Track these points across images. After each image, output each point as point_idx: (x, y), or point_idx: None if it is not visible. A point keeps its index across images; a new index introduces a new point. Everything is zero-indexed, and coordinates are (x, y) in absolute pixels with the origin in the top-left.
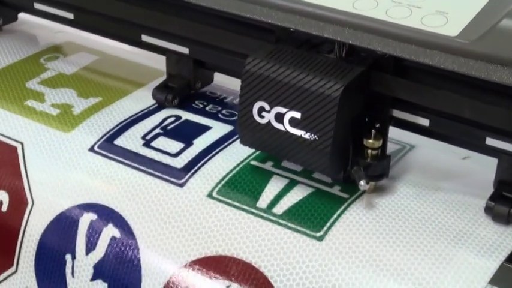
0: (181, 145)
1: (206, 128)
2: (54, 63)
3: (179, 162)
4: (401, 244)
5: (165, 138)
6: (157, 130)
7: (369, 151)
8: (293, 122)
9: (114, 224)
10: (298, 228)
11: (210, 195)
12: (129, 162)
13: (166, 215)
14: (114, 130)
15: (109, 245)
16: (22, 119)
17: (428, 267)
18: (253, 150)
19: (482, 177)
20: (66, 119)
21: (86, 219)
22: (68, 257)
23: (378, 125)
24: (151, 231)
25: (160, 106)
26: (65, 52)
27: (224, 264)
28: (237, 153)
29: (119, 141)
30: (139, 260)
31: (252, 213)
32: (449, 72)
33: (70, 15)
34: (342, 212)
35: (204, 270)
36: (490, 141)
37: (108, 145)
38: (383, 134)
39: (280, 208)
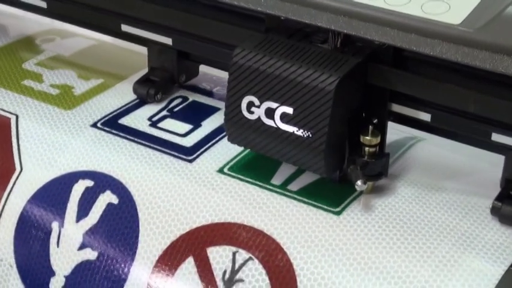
0: (189, 126)
1: (215, 110)
2: (51, 44)
3: (188, 142)
4: (401, 248)
5: (172, 120)
6: (164, 112)
7: (366, 149)
8: (285, 118)
9: (112, 191)
10: (315, 203)
11: (220, 171)
12: (135, 139)
13: (171, 185)
14: (119, 111)
15: (104, 211)
16: (19, 96)
17: (430, 272)
18: None
19: (488, 176)
20: (67, 98)
21: (81, 186)
22: (55, 225)
23: (375, 121)
24: (153, 198)
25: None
26: (62, 35)
27: (232, 231)
28: None
29: (124, 121)
30: (137, 226)
31: (266, 188)
32: (453, 64)
33: (43, 4)
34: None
35: (208, 236)
36: (496, 137)
37: (112, 123)
38: (381, 131)
39: (296, 185)
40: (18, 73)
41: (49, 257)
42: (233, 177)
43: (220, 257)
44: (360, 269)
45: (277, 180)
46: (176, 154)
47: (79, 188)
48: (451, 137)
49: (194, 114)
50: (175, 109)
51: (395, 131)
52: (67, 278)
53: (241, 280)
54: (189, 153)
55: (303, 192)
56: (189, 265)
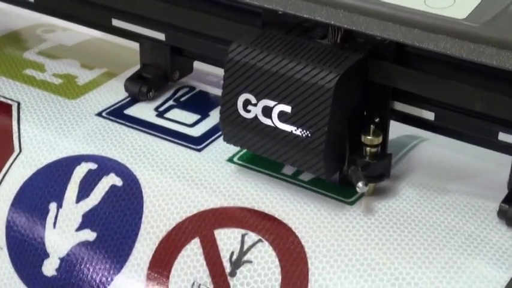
0: (197, 116)
1: None
2: (52, 35)
3: (196, 132)
4: (405, 249)
5: (179, 110)
6: (171, 102)
7: (368, 149)
8: (282, 116)
9: (117, 173)
10: (328, 193)
11: (230, 160)
12: (142, 128)
13: (179, 172)
14: (124, 101)
15: (107, 192)
16: (20, 85)
17: (434, 276)
18: None
19: (495, 177)
20: (71, 88)
21: (84, 168)
22: (53, 206)
23: (377, 120)
24: (160, 182)
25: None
26: (63, 26)
27: (242, 214)
28: None
29: (130, 111)
30: (141, 208)
31: (277, 177)
32: (457, 60)
33: None
34: None
35: (217, 219)
36: (503, 137)
37: (118, 113)
38: (383, 130)
39: (308, 175)
40: (20, 62)
41: (43, 238)
42: (243, 166)
43: (228, 238)
44: (367, 264)
45: (288, 170)
46: (184, 144)
47: (81, 170)
48: (456, 137)
49: (201, 104)
50: (182, 99)
51: (397, 130)
52: (62, 260)
53: (249, 261)
54: (197, 143)
55: (315, 183)
56: (194, 246)
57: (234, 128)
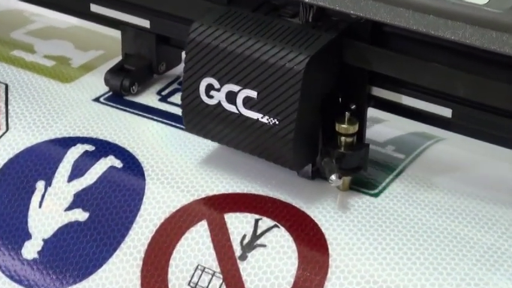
0: None
1: None
2: (42, 17)
3: None
4: (418, 261)
5: None
6: (174, 85)
7: (343, 138)
8: (248, 102)
9: (116, 156)
10: (350, 185)
11: None
12: (145, 114)
13: (186, 156)
14: None
15: (104, 173)
16: (8, 66)
17: None
18: None
19: None
20: (64, 71)
21: (80, 149)
22: (40, 184)
23: (353, 107)
24: (165, 166)
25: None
26: (37, 13)
27: (256, 200)
28: None
29: (131, 96)
30: (142, 189)
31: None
32: (441, 40)
33: None
34: (399, 173)
35: (228, 203)
36: None
37: (117, 98)
38: (360, 118)
39: None
40: (6, 43)
41: (26, 218)
42: None
43: (240, 222)
44: (394, 253)
45: None
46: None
47: (76, 150)
48: (441, 126)
49: None
50: None
51: (409, 129)
52: (46, 241)
53: (263, 245)
54: None
55: None
56: (201, 228)
57: (196, 115)
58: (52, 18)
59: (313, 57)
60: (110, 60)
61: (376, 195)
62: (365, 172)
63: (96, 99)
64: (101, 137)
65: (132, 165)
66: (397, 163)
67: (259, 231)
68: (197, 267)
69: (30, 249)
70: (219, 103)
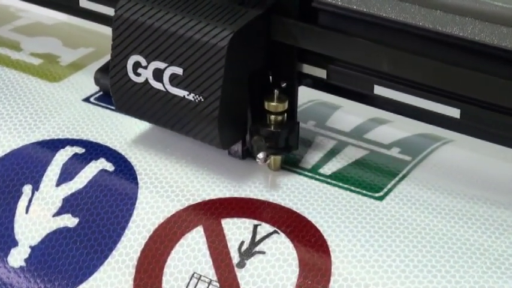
0: None
1: None
2: (29, 12)
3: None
4: (425, 269)
5: None
6: None
7: (272, 117)
8: (174, 80)
9: (107, 159)
10: (352, 188)
11: None
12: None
13: (183, 160)
14: None
15: (95, 176)
16: None
17: None
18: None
19: None
20: (52, 69)
21: (69, 151)
22: (27, 188)
23: (284, 85)
24: (159, 170)
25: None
26: (25, 9)
27: (255, 205)
28: None
29: None
30: (135, 193)
31: (295, 171)
32: (372, 17)
33: None
34: (405, 175)
35: (225, 208)
36: None
37: (108, 98)
38: (291, 96)
39: (329, 169)
40: None
41: (13, 224)
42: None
43: (237, 228)
44: (400, 260)
45: (306, 164)
46: None
47: (65, 153)
48: (365, 102)
49: None
50: None
51: (415, 130)
52: (33, 248)
53: (262, 252)
54: None
55: (337, 177)
56: (196, 235)
57: (124, 94)
58: (39, 14)
59: (236, 33)
60: (100, 58)
61: (380, 198)
62: (296, 151)
63: (86, 99)
64: (91, 139)
65: (124, 168)
66: (402, 165)
67: (257, 238)
68: (193, 275)
69: (17, 257)
70: (146, 81)
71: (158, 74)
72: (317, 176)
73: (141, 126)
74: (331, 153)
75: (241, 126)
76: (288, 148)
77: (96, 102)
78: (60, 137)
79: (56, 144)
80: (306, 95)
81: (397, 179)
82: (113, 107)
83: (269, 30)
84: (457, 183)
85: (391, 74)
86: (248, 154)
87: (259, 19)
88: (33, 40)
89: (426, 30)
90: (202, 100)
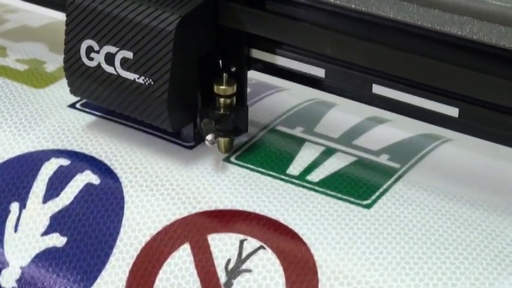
0: None
1: None
2: (16, 15)
3: (187, 127)
4: (426, 266)
5: None
6: None
7: (222, 100)
8: (125, 63)
9: (93, 171)
10: (340, 195)
11: (226, 160)
12: (124, 121)
13: (168, 170)
14: None
15: (81, 191)
16: None
17: None
18: (278, 114)
19: None
20: (38, 76)
21: (53, 164)
22: (14, 206)
23: (234, 69)
24: (144, 181)
25: None
26: (28, 8)
27: (241, 218)
28: (261, 117)
29: None
30: (122, 209)
31: (281, 179)
32: (317, 3)
33: None
34: (393, 183)
35: (211, 222)
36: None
37: (95, 105)
38: (240, 80)
39: (316, 176)
40: None
41: (2, 244)
42: (241, 166)
43: (224, 244)
44: (392, 268)
45: (294, 170)
46: (174, 140)
47: (50, 166)
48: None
49: None
50: None
51: (416, 130)
52: (24, 269)
53: (248, 270)
54: (188, 140)
55: (325, 184)
56: (184, 253)
57: (78, 78)
58: (26, 16)
59: (184, 18)
60: None
61: (368, 206)
62: (246, 133)
63: (72, 105)
64: (77, 149)
65: (109, 180)
66: (390, 173)
67: (244, 254)
68: None
69: (8, 278)
70: (99, 65)
71: (110, 58)
72: (305, 184)
73: (127, 133)
74: (320, 160)
75: (191, 109)
76: (237, 130)
77: (82, 108)
78: (45, 147)
79: (41, 157)
80: (305, 95)
81: (385, 186)
82: (99, 113)
83: (217, 15)
84: (450, 187)
85: (389, 73)
86: (199, 137)
87: (207, 4)
88: (19, 46)
89: (424, 29)
90: (152, 83)
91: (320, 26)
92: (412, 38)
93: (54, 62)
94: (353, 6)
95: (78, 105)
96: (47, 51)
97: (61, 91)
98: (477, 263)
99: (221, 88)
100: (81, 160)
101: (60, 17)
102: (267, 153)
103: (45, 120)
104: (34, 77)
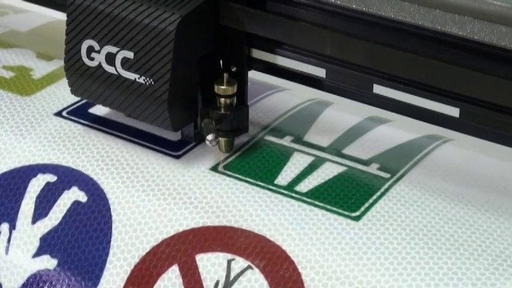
0: None
1: None
2: (3, 19)
3: (174, 135)
4: (423, 271)
5: None
6: None
7: (222, 100)
8: (126, 63)
9: (80, 187)
10: (328, 207)
11: (214, 169)
12: (110, 131)
13: (154, 183)
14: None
15: (68, 210)
16: None
17: None
18: (267, 123)
19: None
20: (24, 83)
21: (40, 180)
22: (4, 227)
23: (234, 69)
24: (131, 197)
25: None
26: (16, 9)
27: (227, 235)
28: (250, 126)
29: (96, 110)
30: (109, 229)
31: (269, 189)
32: (318, 3)
33: None
34: (383, 193)
35: (199, 241)
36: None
37: (81, 112)
38: (240, 80)
39: (305, 187)
40: None
41: None
42: (229, 176)
43: (212, 265)
44: (384, 281)
45: (282, 180)
46: (160, 149)
47: (37, 183)
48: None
49: None
50: None
51: (418, 130)
52: None
53: None
54: (176, 148)
55: (313, 194)
56: (172, 275)
57: (79, 78)
58: (14, 19)
59: (184, 18)
60: None
61: (357, 218)
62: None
63: (58, 114)
64: (63, 163)
65: (96, 197)
66: (380, 183)
67: (232, 275)
68: None
69: None
70: (100, 65)
71: (110, 58)
72: (293, 194)
73: (113, 144)
74: (309, 170)
75: (192, 109)
76: (237, 130)
77: (68, 116)
78: (31, 162)
79: (27, 173)
80: (305, 95)
81: (374, 197)
82: (85, 121)
83: (217, 15)
84: (447, 188)
85: (390, 73)
86: (200, 137)
87: (207, 4)
88: (5, 52)
89: (425, 29)
90: (153, 83)
91: (321, 26)
92: (413, 38)
93: (41, 69)
94: (354, 6)
95: (64, 113)
96: (34, 58)
97: (47, 99)
98: (478, 263)
99: (222, 88)
100: (68, 175)
101: (59, 16)
102: (256, 163)
103: (31, 131)
104: (21, 84)
